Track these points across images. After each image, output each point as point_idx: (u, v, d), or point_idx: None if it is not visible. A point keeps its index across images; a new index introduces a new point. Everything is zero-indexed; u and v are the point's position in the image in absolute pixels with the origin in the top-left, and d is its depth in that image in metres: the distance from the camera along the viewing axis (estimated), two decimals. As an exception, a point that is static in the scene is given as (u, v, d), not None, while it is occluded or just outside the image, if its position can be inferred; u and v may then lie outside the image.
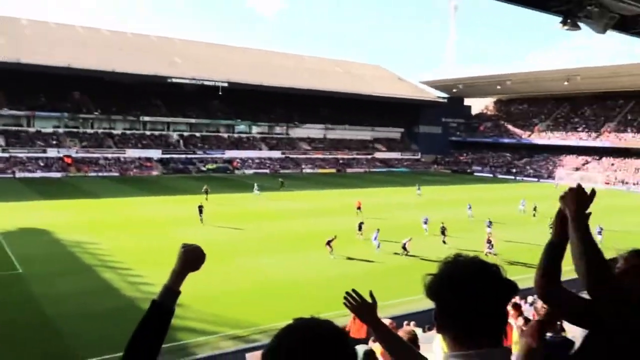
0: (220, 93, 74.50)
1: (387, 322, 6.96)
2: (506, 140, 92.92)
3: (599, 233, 28.90)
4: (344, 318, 17.01)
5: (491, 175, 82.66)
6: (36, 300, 18.52)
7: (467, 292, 1.55)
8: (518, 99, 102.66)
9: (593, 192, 2.04)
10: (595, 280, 1.90)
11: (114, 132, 72.49)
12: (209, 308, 18.25)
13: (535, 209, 39.74)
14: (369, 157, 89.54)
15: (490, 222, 32.04)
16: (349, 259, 25.69)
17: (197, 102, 79.45)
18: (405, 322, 13.72)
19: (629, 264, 2.16)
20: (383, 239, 27.75)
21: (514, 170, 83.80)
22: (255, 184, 49.17)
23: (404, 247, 26.37)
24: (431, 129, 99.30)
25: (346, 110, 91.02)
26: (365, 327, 4.98)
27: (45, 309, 17.86)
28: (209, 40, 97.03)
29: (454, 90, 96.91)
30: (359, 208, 37.66)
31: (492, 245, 26.60)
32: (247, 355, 14.50)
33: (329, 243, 25.92)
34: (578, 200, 1.99)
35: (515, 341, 5.58)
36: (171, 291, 2.03)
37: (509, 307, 5.35)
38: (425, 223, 32.43)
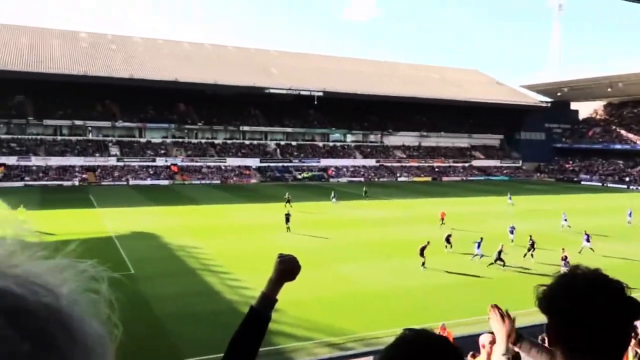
0: (315, 102, 75.97)
1: (487, 337, 6.69)
2: (618, 147, 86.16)
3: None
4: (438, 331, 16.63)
5: (600, 184, 76.98)
6: (145, 300, 19.77)
7: (586, 304, 1.45)
8: (632, 102, 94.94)
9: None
10: None
11: (216, 141, 76.18)
12: (303, 314, 18.52)
13: None
14: (466, 165, 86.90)
15: (588, 236, 29.09)
16: (438, 270, 24.90)
17: (293, 111, 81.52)
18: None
19: None
20: (468, 252, 26.71)
21: (627, 179, 77.54)
22: (333, 192, 49.38)
23: (499, 258, 25.15)
24: (533, 135, 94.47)
25: (441, 117, 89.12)
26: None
27: (153, 307, 19.03)
28: (304, 51, 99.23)
29: (558, 94, 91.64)
30: (442, 219, 36.39)
31: (568, 263, 23.36)
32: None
33: (422, 251, 25.22)
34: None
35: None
36: (268, 299, 2.10)
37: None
38: (512, 232, 31.00)
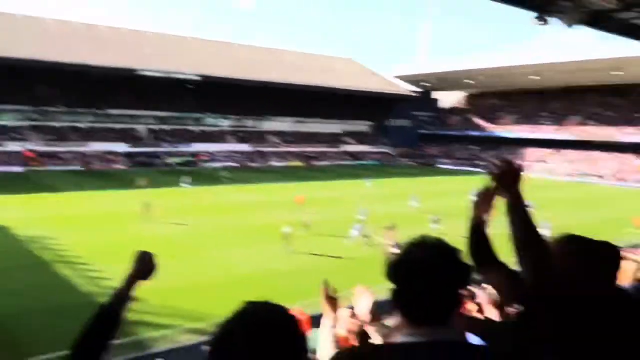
0: (190, 86, 73.55)
1: (348, 310, 7.00)
2: (474, 133, 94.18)
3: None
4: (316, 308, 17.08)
5: (454, 167, 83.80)
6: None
7: (424, 275, 1.58)
8: (489, 93, 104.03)
9: (520, 167, 2.14)
10: (532, 264, 1.92)
11: (80, 125, 70.88)
12: (166, 302, 18.01)
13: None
14: (339, 150, 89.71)
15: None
16: (303, 253, 25.48)
17: (167, 95, 78.17)
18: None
19: (562, 250, 2.13)
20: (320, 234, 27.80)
21: (479, 163, 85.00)
22: (183, 177, 48.23)
23: (365, 236, 26.44)
24: (401, 123, 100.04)
25: (317, 104, 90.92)
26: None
27: (-2, 304, 17.41)
28: (181, 34, 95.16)
29: (425, 84, 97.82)
30: (300, 203, 36.80)
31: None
32: (203, 347, 14.43)
33: (286, 234, 25.60)
34: (510, 175, 2.06)
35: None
36: (120, 295, 2.07)
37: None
38: (363, 215, 31.96)
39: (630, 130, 75.47)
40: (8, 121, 66.19)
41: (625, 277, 4.03)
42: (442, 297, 1.59)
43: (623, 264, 4.05)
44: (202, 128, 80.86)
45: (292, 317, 1.33)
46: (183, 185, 46.30)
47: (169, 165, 68.89)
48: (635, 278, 4.79)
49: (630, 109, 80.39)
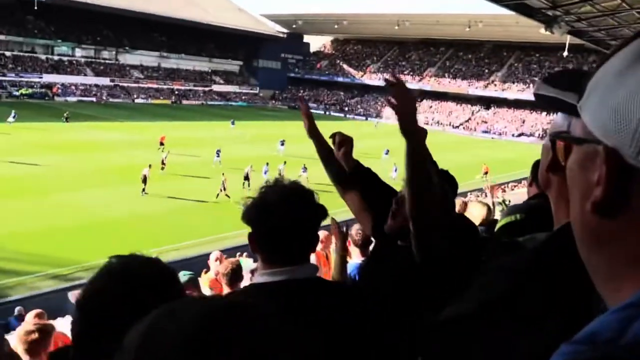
0: (36, 8, 65.46)
1: (217, 253, 7.07)
2: (341, 79, 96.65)
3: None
4: (169, 254, 16.97)
5: (323, 112, 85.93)
6: None
7: (278, 216, 1.61)
8: (353, 40, 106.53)
9: (419, 93, 1.99)
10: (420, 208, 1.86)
11: None
12: (23, 247, 16.83)
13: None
14: (207, 89, 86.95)
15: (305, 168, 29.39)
16: (164, 195, 24.87)
17: (8, 16, 68.99)
18: (238, 254, 14.10)
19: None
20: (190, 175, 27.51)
21: (346, 109, 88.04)
22: (13, 111, 41.27)
23: (246, 177, 26.47)
24: (270, 64, 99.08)
25: (183, 39, 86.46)
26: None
27: None
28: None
29: (294, 26, 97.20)
30: (161, 143, 35.07)
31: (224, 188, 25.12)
32: (69, 293, 13.81)
33: (144, 179, 24.43)
34: (404, 98, 1.81)
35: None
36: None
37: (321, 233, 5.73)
38: (218, 156, 32.08)
39: (477, 84, 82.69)
40: None
41: (475, 219, 4.63)
42: (297, 237, 1.64)
43: (472, 206, 4.66)
44: (52, 56, 73.13)
45: (167, 269, 1.29)
46: (9, 120, 39.71)
47: (15, 97, 61.82)
48: (483, 220, 5.49)
49: (479, 64, 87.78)
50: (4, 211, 19.99)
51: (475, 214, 5.56)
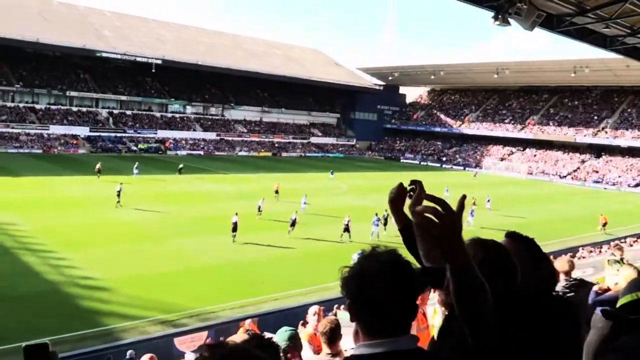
0: (153, 70, 72.07)
1: (315, 308, 7.05)
2: (438, 129, 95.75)
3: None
4: (267, 304, 17.19)
5: (418, 162, 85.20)
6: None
7: (378, 288, 1.58)
8: (450, 90, 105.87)
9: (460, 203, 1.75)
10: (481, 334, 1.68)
11: (37, 106, 68.56)
12: (135, 291, 17.84)
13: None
14: (305, 141, 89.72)
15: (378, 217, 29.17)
16: (272, 243, 25.59)
17: (129, 78, 76.58)
18: (336, 306, 14.04)
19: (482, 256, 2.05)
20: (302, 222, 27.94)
21: (444, 159, 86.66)
22: (137, 164, 45.92)
23: (346, 229, 26.68)
24: (367, 116, 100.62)
25: (283, 94, 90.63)
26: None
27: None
28: (142, 14, 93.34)
29: (390, 78, 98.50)
30: (276, 191, 37.56)
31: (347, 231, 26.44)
32: (176, 339, 14.39)
33: (234, 227, 25.12)
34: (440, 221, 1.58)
35: (431, 324, 5.83)
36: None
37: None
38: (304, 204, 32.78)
39: (586, 131, 78.22)
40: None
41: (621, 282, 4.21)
42: (397, 308, 1.61)
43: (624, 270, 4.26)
44: (165, 114, 79.43)
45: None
46: (135, 172, 44.05)
47: (133, 151, 67.49)
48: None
49: (587, 110, 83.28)
50: (120, 255, 21.52)
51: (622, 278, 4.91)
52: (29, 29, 62.96)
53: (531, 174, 73.60)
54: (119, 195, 31.46)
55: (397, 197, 2.02)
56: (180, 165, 50.02)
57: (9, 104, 66.51)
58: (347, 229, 26.66)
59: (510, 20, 13.01)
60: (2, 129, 62.15)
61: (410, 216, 1.82)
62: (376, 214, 27.93)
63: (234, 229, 25.06)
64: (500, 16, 12.73)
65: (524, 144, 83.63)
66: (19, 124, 64.13)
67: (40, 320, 15.17)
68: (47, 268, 19.72)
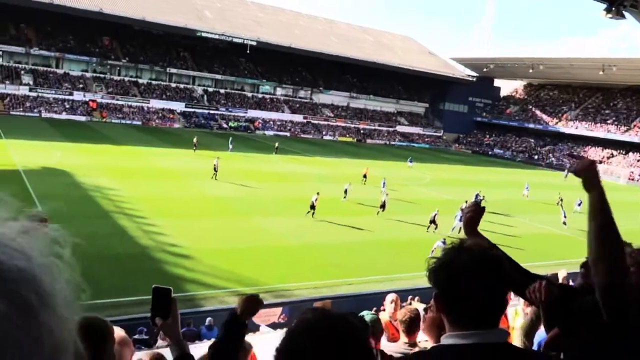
0: (248, 51, 74.12)
1: (393, 295, 7.02)
2: (532, 126, 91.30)
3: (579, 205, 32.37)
4: (349, 287, 17.39)
5: (511, 159, 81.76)
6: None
7: (466, 282, 1.60)
8: (549, 85, 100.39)
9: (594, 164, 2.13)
10: (612, 274, 1.88)
11: (140, 81, 72.82)
12: (218, 263, 18.69)
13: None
14: (391, 129, 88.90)
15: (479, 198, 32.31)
16: (353, 227, 25.78)
17: (224, 58, 79.26)
18: (410, 297, 13.97)
19: (633, 262, 2.10)
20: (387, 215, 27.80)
21: (535, 157, 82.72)
22: (231, 139, 49.65)
23: (432, 221, 26.53)
24: (457, 107, 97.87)
25: (372, 80, 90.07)
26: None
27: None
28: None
29: (485, 70, 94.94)
30: (365, 176, 38.10)
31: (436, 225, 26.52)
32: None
33: (313, 205, 26.04)
34: (591, 171, 2.05)
35: (512, 325, 5.70)
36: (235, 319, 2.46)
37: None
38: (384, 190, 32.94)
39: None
40: (74, 71, 68.64)
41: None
42: (488, 302, 1.62)
43: None
44: (256, 94, 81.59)
45: (360, 330, 1.30)
46: (230, 148, 47.65)
47: (224, 129, 70.12)
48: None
49: None
50: (207, 227, 22.61)
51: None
52: (137, 9, 66.73)
53: (632, 179, 68.53)
54: (215, 169, 33.27)
55: (474, 219, 2.26)
56: (276, 144, 52.19)
57: (115, 77, 71.16)
58: (433, 221, 26.48)
59: (626, 14, 12.13)
60: (108, 100, 66.70)
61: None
62: (460, 209, 27.34)
63: (312, 207, 25.95)
64: (614, 9, 11.90)
65: (627, 147, 77.81)
66: (123, 96, 68.47)
67: (131, 281, 16.32)
68: (140, 232, 21.11)
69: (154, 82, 73.59)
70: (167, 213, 23.96)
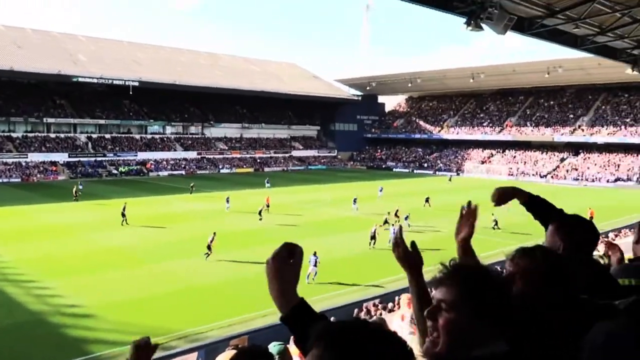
0: (130, 93, 71.67)
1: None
2: (418, 136, 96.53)
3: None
4: (262, 319, 17.03)
5: (407, 170, 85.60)
6: None
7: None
8: (428, 96, 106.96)
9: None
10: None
11: (14, 135, 67.69)
12: (123, 317, 17.56)
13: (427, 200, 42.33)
14: (287, 155, 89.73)
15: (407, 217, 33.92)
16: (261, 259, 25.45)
17: (106, 102, 76.03)
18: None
19: (517, 268, 1.88)
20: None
21: (425, 165, 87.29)
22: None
23: (373, 237, 27.55)
24: (347, 126, 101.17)
25: (262, 109, 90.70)
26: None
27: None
28: (117, 38, 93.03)
29: (368, 88, 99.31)
30: (268, 205, 37.84)
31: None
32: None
33: (209, 245, 25.30)
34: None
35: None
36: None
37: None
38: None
39: (563, 130, 79.44)
40: None
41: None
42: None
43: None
44: (145, 135, 78.88)
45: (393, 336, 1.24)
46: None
47: (114, 175, 66.86)
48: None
49: (562, 109, 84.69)
50: (104, 281, 21.19)
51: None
52: (3, 58, 62.36)
53: (512, 175, 74.37)
54: (123, 215, 33.09)
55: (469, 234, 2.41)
56: (192, 184, 51.92)
57: (-16, 134, 65.56)
58: (373, 237, 27.68)
59: (483, 25, 13.17)
60: (-22, 160, 61.14)
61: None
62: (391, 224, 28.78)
63: (208, 247, 25.18)
64: (472, 22, 12.89)
65: (503, 146, 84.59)
66: (-3, 153, 63.22)
67: (27, 351, 14.85)
68: (30, 298, 19.34)
69: (30, 135, 68.73)
70: (59, 272, 22.21)
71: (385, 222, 32.69)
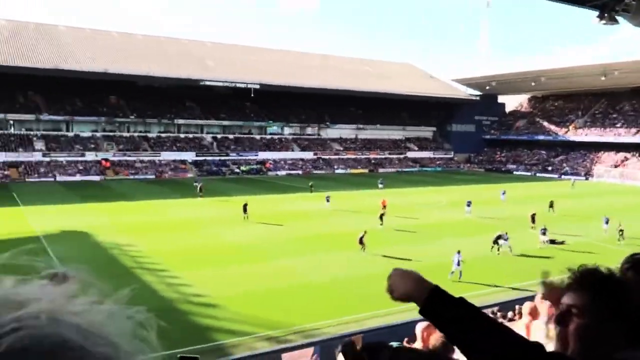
0: (252, 95, 75.37)
1: (424, 324, 6.89)
2: (542, 137, 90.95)
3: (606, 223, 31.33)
4: (378, 319, 17.11)
5: (529, 173, 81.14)
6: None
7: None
8: (553, 95, 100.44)
9: None
10: None
11: (149, 135, 74.05)
12: (243, 309, 18.53)
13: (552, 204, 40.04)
14: (401, 156, 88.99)
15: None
16: (383, 256, 25.61)
17: (230, 104, 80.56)
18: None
19: (626, 278, 1.80)
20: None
21: (549, 168, 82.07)
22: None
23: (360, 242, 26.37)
24: (464, 127, 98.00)
25: (377, 110, 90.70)
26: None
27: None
28: (239, 42, 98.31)
29: (487, 88, 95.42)
30: (384, 207, 37.35)
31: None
32: (284, 355, 14.70)
33: (360, 240, 26.35)
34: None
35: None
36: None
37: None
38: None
39: None
40: (84, 132, 70.05)
41: None
42: None
43: None
44: (265, 136, 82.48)
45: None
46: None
47: (236, 173, 70.65)
48: None
49: None
50: (229, 274, 22.53)
51: None
52: (141, 65, 68.47)
53: (650, 181, 67.57)
54: (245, 211, 35.28)
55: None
56: (311, 183, 53.35)
57: (125, 134, 72.49)
58: (361, 242, 26.79)
59: (618, 18, 12.17)
60: (120, 157, 67.73)
61: None
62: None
63: (361, 242, 26.49)
64: (606, 15, 11.95)
65: (639, 149, 77.05)
66: (134, 152, 69.56)
67: (159, 335, 16.19)
68: (162, 286, 21.05)
69: (163, 135, 74.77)
70: (187, 263, 23.96)
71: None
